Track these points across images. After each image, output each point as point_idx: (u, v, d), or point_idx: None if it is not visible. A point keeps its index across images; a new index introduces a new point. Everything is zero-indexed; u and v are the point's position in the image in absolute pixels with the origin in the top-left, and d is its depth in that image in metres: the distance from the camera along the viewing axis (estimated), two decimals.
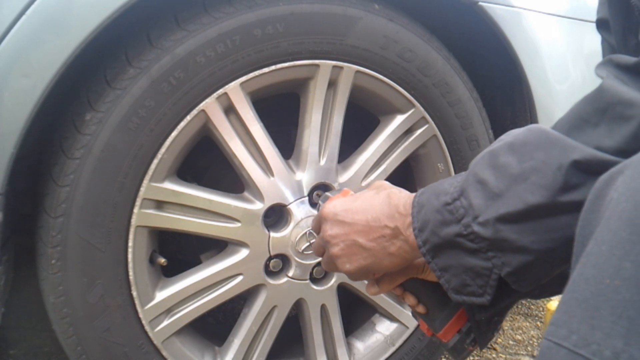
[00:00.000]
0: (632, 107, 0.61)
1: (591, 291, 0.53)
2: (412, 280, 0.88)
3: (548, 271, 0.71)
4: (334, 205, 0.86)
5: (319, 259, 1.24)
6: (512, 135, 0.70)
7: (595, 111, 0.64)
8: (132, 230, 1.09)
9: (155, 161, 1.07)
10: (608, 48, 0.88)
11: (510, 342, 1.87)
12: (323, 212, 0.87)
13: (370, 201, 0.84)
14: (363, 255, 0.84)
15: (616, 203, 0.54)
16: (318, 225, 0.91)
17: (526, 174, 0.66)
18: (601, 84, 0.65)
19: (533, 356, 1.77)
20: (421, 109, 1.26)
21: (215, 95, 1.09)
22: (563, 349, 0.53)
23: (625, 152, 0.60)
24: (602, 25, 0.86)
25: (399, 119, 1.26)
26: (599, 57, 1.37)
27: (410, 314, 1.39)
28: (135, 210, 1.08)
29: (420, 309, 0.90)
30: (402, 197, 0.81)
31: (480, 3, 1.19)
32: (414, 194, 0.80)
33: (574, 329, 0.53)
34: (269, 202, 1.18)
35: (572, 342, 0.53)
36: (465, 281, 0.73)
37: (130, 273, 1.11)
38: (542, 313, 2.10)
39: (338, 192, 0.90)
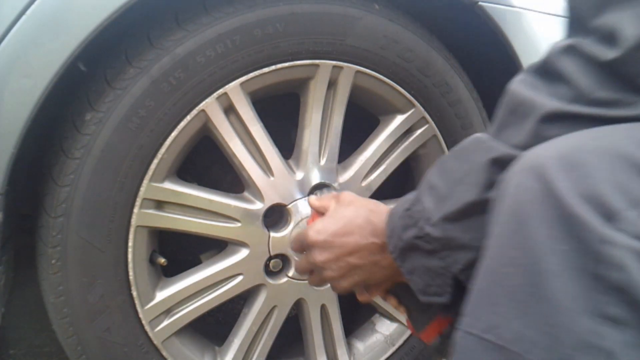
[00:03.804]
0: (530, 105, 0.67)
1: (490, 280, 0.58)
2: (396, 285, 0.92)
3: None
4: (318, 230, 0.90)
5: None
6: (459, 144, 0.78)
7: (507, 112, 0.72)
8: (132, 230, 1.09)
9: (155, 161, 1.07)
10: None
11: None
12: (309, 238, 0.90)
13: (354, 221, 0.89)
14: (357, 273, 0.89)
15: (502, 197, 0.59)
16: (301, 247, 0.95)
17: (463, 176, 0.73)
18: (508, 87, 0.72)
19: None
20: (421, 109, 1.26)
21: (215, 95, 1.09)
22: (472, 336, 0.58)
23: (530, 147, 0.65)
24: None
25: (399, 119, 1.26)
26: None
27: None
28: (135, 210, 1.08)
29: (401, 310, 0.94)
30: (382, 212, 0.88)
31: (480, 3, 1.19)
32: (387, 207, 0.87)
33: (479, 317, 0.58)
34: (269, 202, 1.18)
35: (479, 328, 0.57)
36: (428, 282, 0.78)
37: (130, 273, 1.11)
38: None
39: (328, 194, 0.92)
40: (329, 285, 0.95)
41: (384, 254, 0.86)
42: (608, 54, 0.62)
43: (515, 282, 0.56)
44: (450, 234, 0.74)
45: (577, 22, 0.68)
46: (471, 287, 0.61)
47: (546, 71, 0.69)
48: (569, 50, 0.66)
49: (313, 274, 0.96)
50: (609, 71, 0.62)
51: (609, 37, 0.62)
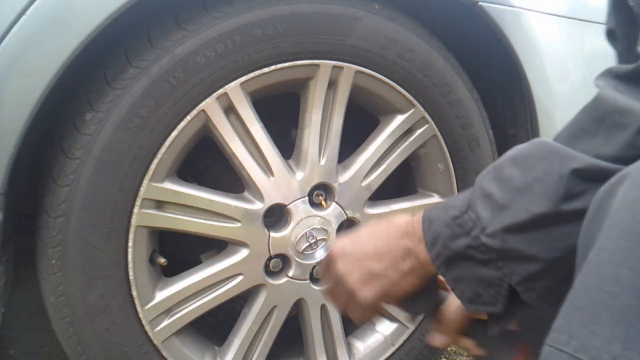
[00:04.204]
0: (627, 115, 0.63)
1: (591, 298, 0.55)
2: (470, 326, 0.88)
3: (556, 280, 0.72)
4: (339, 244, 0.88)
5: (319, 259, 1.24)
6: (516, 149, 0.73)
7: (592, 120, 0.67)
8: (132, 230, 1.09)
9: (156, 161, 1.07)
10: (617, 58, 0.90)
11: None
12: (331, 253, 0.88)
13: (373, 230, 0.86)
14: (379, 281, 0.84)
15: (616, 212, 0.56)
16: (325, 269, 0.90)
17: (529, 185, 0.68)
18: (597, 93, 0.67)
19: None
20: (421, 109, 1.26)
21: (215, 95, 1.09)
22: (564, 354, 0.55)
23: (622, 159, 0.63)
24: (610, 35, 0.88)
25: (399, 119, 1.26)
26: (599, 57, 1.37)
27: None
28: (135, 210, 1.08)
29: (480, 351, 0.90)
30: (402, 218, 0.84)
31: (480, 3, 1.19)
32: (412, 215, 0.83)
33: (574, 334, 0.55)
34: (269, 202, 1.18)
35: (573, 347, 0.54)
36: (478, 291, 0.75)
37: (130, 273, 1.11)
38: None
39: None
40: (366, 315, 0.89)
41: (407, 258, 0.82)
42: None
43: (622, 302, 0.53)
44: (510, 244, 0.70)
45: None
46: (565, 301, 0.58)
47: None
48: None
49: (337, 291, 0.91)
50: None
51: None
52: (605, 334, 0.53)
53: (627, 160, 0.62)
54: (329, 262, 0.90)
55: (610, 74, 0.69)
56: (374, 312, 0.88)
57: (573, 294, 0.57)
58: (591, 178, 0.64)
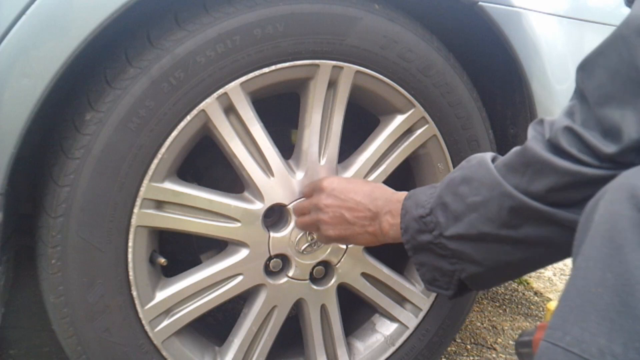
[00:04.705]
0: (547, 167, 0.77)
1: (581, 298, 0.64)
2: None
3: (496, 281, 0.96)
4: (332, 181, 1.12)
5: (319, 259, 1.25)
6: (466, 167, 0.91)
7: (522, 164, 0.81)
8: (132, 230, 1.09)
9: (156, 161, 1.07)
10: None
11: (510, 342, 1.87)
12: (323, 184, 1.11)
13: (361, 185, 1.10)
14: (345, 227, 1.08)
15: (597, 224, 0.65)
16: (311, 191, 1.15)
17: (477, 206, 0.85)
18: (525, 144, 0.82)
19: None
20: (421, 109, 1.26)
21: (215, 95, 1.09)
22: (559, 348, 0.64)
23: (545, 197, 0.79)
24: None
25: (399, 119, 1.26)
26: None
27: (410, 313, 1.39)
28: (135, 210, 1.08)
29: None
30: (388, 190, 1.08)
31: (480, 3, 1.19)
32: (396, 192, 1.06)
33: (567, 331, 0.64)
34: (269, 202, 1.18)
35: (566, 342, 0.63)
36: (435, 277, 0.97)
37: (130, 273, 1.11)
38: (542, 313, 2.10)
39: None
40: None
41: (373, 222, 1.05)
42: (607, 148, 0.72)
43: (605, 302, 0.61)
44: (461, 249, 0.89)
45: (583, 99, 0.78)
46: (559, 301, 0.67)
47: (553, 144, 0.78)
48: (571, 134, 0.76)
49: (307, 215, 1.14)
50: (607, 158, 0.73)
51: (609, 131, 0.73)
52: (593, 329, 0.61)
53: (548, 199, 0.78)
54: (314, 189, 1.14)
55: (539, 127, 0.82)
56: (326, 242, 1.19)
57: (565, 295, 0.66)
58: (522, 215, 0.81)
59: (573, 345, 0.62)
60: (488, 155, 0.90)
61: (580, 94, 0.79)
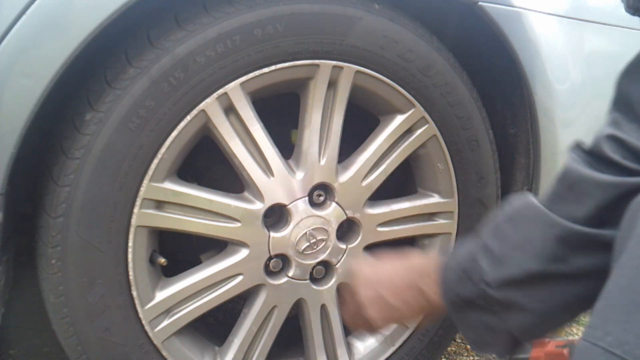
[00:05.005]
0: (591, 184, 0.74)
1: (625, 298, 0.61)
2: None
3: (549, 328, 0.86)
4: (361, 269, 1.03)
5: (319, 259, 1.25)
6: (510, 206, 0.85)
7: (564, 188, 0.78)
8: (132, 230, 1.09)
9: (156, 161, 1.07)
10: None
11: None
12: (354, 272, 1.04)
13: (393, 265, 1.00)
14: (389, 309, 0.98)
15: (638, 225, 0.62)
16: (349, 285, 1.06)
17: (521, 244, 0.79)
18: (564, 166, 0.79)
19: None
20: (421, 109, 1.26)
21: (215, 95, 1.09)
22: (599, 348, 0.61)
23: (594, 219, 0.74)
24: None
25: (399, 119, 1.26)
26: (599, 57, 1.37)
27: None
28: (135, 210, 1.08)
29: None
30: (420, 260, 0.99)
31: (480, 3, 1.19)
32: (434, 259, 0.95)
33: (609, 331, 0.61)
34: (269, 202, 1.18)
35: (607, 342, 0.60)
36: (483, 336, 0.86)
37: (130, 273, 1.11)
38: None
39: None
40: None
41: (417, 296, 0.94)
42: None
43: None
44: (507, 296, 0.80)
45: (628, 107, 0.75)
46: (599, 300, 0.65)
47: (596, 157, 0.76)
48: (615, 141, 0.74)
49: (353, 312, 1.04)
50: None
51: None
52: (638, 331, 0.59)
53: (598, 220, 0.74)
54: (351, 278, 1.05)
55: (577, 150, 0.80)
56: (373, 327, 1.03)
57: (606, 294, 0.64)
58: (571, 244, 0.76)
59: (615, 346, 0.60)
60: (531, 195, 0.86)
61: (624, 102, 0.76)
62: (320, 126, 1.20)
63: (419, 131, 1.28)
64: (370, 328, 1.03)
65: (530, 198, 0.83)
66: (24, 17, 0.92)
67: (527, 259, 0.78)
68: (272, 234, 1.19)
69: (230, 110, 1.12)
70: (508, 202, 0.86)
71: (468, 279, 0.84)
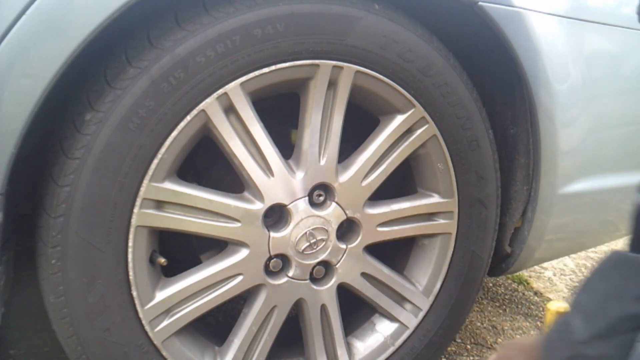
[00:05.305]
0: None
1: None
2: None
3: None
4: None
5: (319, 259, 1.24)
6: (600, 263, 0.83)
7: None
8: (132, 230, 1.09)
9: (156, 161, 1.07)
10: None
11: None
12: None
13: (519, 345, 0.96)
14: None
15: None
16: None
17: (610, 291, 0.77)
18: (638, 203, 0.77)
19: None
20: (421, 109, 1.26)
21: (215, 95, 1.09)
22: None
23: None
24: None
25: (399, 119, 1.26)
26: (599, 57, 1.37)
27: (410, 313, 1.39)
28: (135, 210, 1.08)
29: None
30: (527, 342, 0.95)
31: (480, 3, 1.19)
32: (529, 340, 0.94)
33: None
34: (269, 202, 1.18)
35: None
36: None
37: (130, 273, 1.11)
38: (542, 313, 2.10)
39: None
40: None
41: None
42: None
43: None
44: (602, 352, 0.78)
45: None
46: None
47: None
48: None
49: None
50: None
51: None
52: None
53: None
54: None
55: None
56: None
57: None
58: None
59: None
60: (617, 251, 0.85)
61: None
62: (320, 126, 1.20)
63: (419, 131, 1.28)
64: None
65: (620, 251, 0.82)
66: (24, 17, 0.92)
67: (612, 305, 0.77)
68: (272, 234, 1.19)
69: (230, 110, 1.12)
70: (597, 263, 0.85)
71: (564, 343, 0.82)
